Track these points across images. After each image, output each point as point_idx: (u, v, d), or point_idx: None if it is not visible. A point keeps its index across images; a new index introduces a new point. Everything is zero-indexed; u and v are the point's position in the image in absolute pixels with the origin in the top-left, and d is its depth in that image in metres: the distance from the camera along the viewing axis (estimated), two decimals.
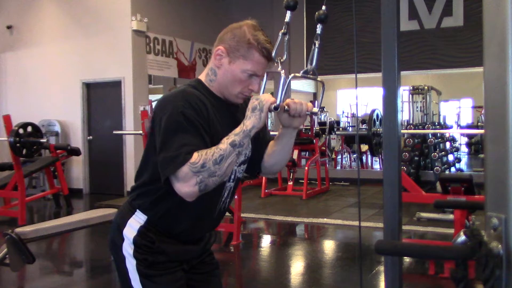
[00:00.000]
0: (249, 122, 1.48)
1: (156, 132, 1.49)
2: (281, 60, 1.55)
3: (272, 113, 1.57)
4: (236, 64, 1.55)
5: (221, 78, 1.58)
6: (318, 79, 1.60)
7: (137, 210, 1.61)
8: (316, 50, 1.56)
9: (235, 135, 1.47)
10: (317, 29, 1.56)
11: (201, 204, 1.58)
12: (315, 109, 1.59)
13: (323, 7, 1.56)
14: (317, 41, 1.54)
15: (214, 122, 1.53)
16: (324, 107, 12.48)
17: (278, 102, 1.50)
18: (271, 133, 2.05)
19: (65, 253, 5.63)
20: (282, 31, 1.54)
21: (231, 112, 1.61)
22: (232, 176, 1.65)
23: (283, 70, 1.52)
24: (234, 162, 1.48)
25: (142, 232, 1.59)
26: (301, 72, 1.56)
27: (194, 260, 1.73)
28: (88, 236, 5.85)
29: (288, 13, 1.55)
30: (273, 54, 1.54)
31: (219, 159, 1.43)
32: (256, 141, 1.66)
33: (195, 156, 1.41)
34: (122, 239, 1.61)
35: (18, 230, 3.66)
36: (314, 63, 1.55)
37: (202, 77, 1.64)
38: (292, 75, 1.56)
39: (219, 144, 1.46)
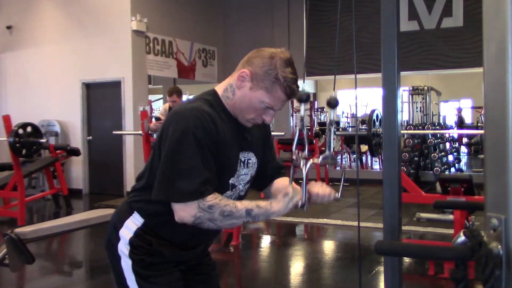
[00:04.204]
0: (276, 206, 1.50)
1: (163, 144, 1.48)
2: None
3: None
4: (257, 93, 1.53)
5: (238, 100, 1.57)
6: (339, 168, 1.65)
7: (135, 211, 1.61)
8: (332, 136, 1.57)
9: (256, 207, 1.48)
10: (331, 114, 1.55)
11: None
12: (337, 194, 1.64)
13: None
14: (332, 127, 1.55)
15: (223, 143, 1.52)
16: (324, 107, 12.48)
17: (303, 200, 1.53)
18: (272, 133, 2.04)
19: (65, 253, 5.63)
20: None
21: (240, 130, 1.61)
22: (235, 195, 1.65)
23: (305, 169, 1.53)
24: (238, 224, 1.51)
25: (138, 234, 1.59)
26: (321, 158, 1.58)
27: (192, 261, 1.72)
28: (88, 236, 5.84)
29: (302, 106, 1.55)
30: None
31: (227, 214, 1.44)
32: (263, 148, 1.68)
33: (211, 195, 1.44)
34: (118, 239, 1.60)
35: (17, 230, 3.66)
36: (332, 150, 1.57)
37: (219, 90, 1.61)
38: (311, 161, 1.56)
39: (237, 201, 1.48)
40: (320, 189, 1.60)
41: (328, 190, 1.61)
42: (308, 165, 1.53)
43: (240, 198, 1.69)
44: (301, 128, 1.55)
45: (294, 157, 1.53)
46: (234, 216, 1.45)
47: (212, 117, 1.49)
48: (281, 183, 1.75)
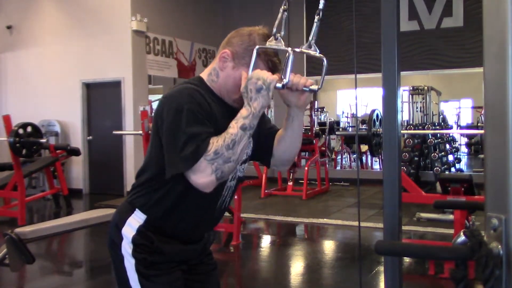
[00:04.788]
0: (257, 103, 1.46)
1: (161, 129, 1.48)
2: (281, 35, 1.52)
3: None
4: (239, 71, 1.54)
5: (223, 81, 1.58)
6: (319, 54, 1.53)
7: (137, 209, 1.60)
8: (316, 24, 1.51)
9: (244, 118, 1.45)
10: (320, 4, 1.52)
11: (201, 203, 1.58)
12: (314, 86, 1.54)
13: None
14: (318, 16, 1.50)
15: (216, 118, 1.52)
16: (324, 107, 12.47)
17: (286, 80, 1.47)
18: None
19: (65, 253, 5.63)
20: (282, 7, 1.52)
21: (230, 112, 1.60)
22: (233, 175, 1.64)
23: (289, 48, 1.49)
24: (247, 146, 1.47)
25: (141, 231, 1.59)
26: (304, 46, 1.52)
27: (193, 260, 1.72)
28: (88, 236, 5.84)
29: None
30: (274, 30, 1.51)
31: (232, 144, 1.42)
32: (258, 128, 1.63)
33: (209, 145, 1.41)
34: (121, 238, 1.60)
35: (17, 230, 3.66)
36: (313, 38, 1.52)
37: (204, 75, 1.63)
38: (299, 50, 1.51)
39: (228, 129, 1.45)
40: (297, 77, 1.52)
41: (303, 78, 1.53)
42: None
43: (238, 178, 1.69)
44: None
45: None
46: (238, 141, 1.43)
47: (202, 94, 1.51)
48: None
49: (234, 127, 1.45)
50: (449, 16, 9.24)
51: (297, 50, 1.51)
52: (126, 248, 1.59)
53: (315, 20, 1.51)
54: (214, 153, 1.40)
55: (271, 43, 1.52)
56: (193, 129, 1.42)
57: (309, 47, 1.52)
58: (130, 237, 1.58)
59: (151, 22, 8.87)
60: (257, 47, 1.50)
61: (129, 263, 1.59)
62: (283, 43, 1.52)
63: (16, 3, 9.71)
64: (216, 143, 1.42)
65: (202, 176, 1.40)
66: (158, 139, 1.51)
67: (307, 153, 9.73)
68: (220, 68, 1.58)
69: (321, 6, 1.51)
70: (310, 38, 1.52)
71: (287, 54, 1.49)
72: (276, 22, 1.52)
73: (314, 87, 1.53)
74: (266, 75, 1.47)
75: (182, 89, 1.51)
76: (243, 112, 1.47)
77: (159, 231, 1.60)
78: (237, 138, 1.43)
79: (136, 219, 1.60)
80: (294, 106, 1.58)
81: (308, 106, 9.18)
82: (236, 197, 5.06)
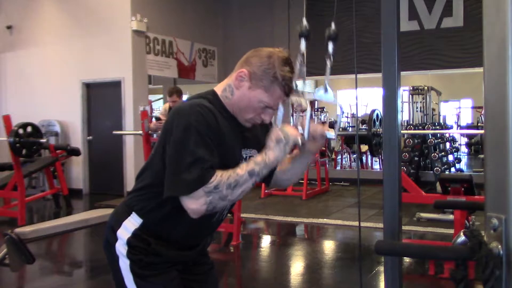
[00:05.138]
0: (272, 154, 1.47)
1: (167, 142, 1.48)
2: (301, 91, 1.54)
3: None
4: (255, 92, 1.54)
5: (237, 99, 1.57)
6: (337, 103, 1.59)
7: (133, 212, 1.60)
8: (328, 69, 1.53)
9: (255, 164, 1.46)
10: (329, 49, 1.53)
11: None
12: (332, 133, 1.57)
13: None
14: (329, 60, 1.52)
15: (225, 137, 1.52)
16: (324, 107, 12.47)
17: (306, 136, 1.51)
18: None
19: (65, 253, 5.63)
20: (298, 61, 1.53)
21: (239, 130, 1.61)
22: None
23: (309, 103, 1.52)
24: (248, 190, 1.48)
25: (136, 234, 1.59)
26: (318, 91, 1.56)
27: (190, 262, 1.73)
28: (88, 236, 5.84)
29: (303, 42, 1.54)
30: (293, 84, 1.54)
31: (234, 185, 1.43)
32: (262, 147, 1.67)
33: (212, 176, 1.42)
34: (116, 239, 1.60)
35: (17, 230, 3.66)
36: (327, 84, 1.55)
37: (218, 90, 1.62)
38: (315, 98, 1.56)
39: (236, 168, 1.45)
40: (315, 125, 1.57)
41: (321, 127, 1.57)
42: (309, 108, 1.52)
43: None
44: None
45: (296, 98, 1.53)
46: (240, 183, 1.43)
47: (213, 112, 1.50)
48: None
49: (243, 169, 1.45)
50: (449, 16, 9.24)
51: (313, 98, 1.57)
52: (121, 249, 1.59)
53: (328, 64, 1.52)
54: (214, 187, 1.41)
55: (292, 98, 1.55)
56: (200, 152, 1.42)
57: (325, 90, 1.55)
58: (125, 239, 1.59)
59: (151, 22, 8.87)
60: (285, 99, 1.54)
61: (124, 264, 1.59)
62: (304, 98, 1.55)
63: (16, 3, 9.71)
64: (219, 177, 1.42)
65: (194, 203, 1.42)
66: (163, 150, 1.51)
67: None
68: (235, 87, 1.57)
69: (330, 50, 1.52)
70: (325, 82, 1.55)
71: (307, 110, 1.52)
72: (295, 75, 1.54)
73: (331, 134, 1.56)
74: (290, 130, 1.49)
75: (194, 106, 1.50)
76: (257, 158, 1.48)
77: (155, 235, 1.60)
78: (241, 181, 1.44)
79: (132, 222, 1.60)
80: (309, 151, 1.65)
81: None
82: None
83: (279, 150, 1.48)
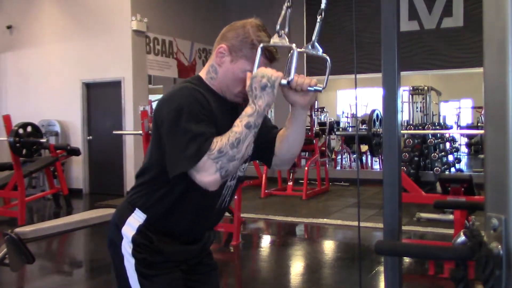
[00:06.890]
0: (262, 101, 1.45)
1: (162, 129, 1.47)
2: (285, 33, 1.51)
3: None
4: (238, 64, 1.55)
5: (222, 76, 1.57)
6: (322, 54, 1.51)
7: (137, 208, 1.60)
8: (318, 24, 1.50)
9: (248, 116, 1.44)
10: (322, 4, 1.50)
11: (201, 202, 1.58)
12: (319, 86, 1.52)
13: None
14: (320, 16, 1.50)
15: (217, 118, 1.51)
16: (324, 107, 12.47)
17: (291, 77, 1.46)
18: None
19: (65, 253, 5.63)
20: (286, 4, 1.51)
21: (231, 110, 1.59)
22: (233, 175, 1.63)
23: (294, 44, 1.48)
24: (252, 144, 1.46)
25: (141, 231, 1.58)
26: (307, 46, 1.51)
27: (193, 260, 1.72)
28: (88, 236, 5.84)
29: None
30: (277, 27, 1.50)
31: (236, 143, 1.41)
32: (259, 133, 1.64)
33: (213, 143, 1.40)
34: (121, 238, 1.60)
35: (17, 230, 3.66)
36: (316, 38, 1.51)
37: (202, 74, 1.63)
38: (303, 49, 1.50)
39: (232, 128, 1.44)
40: (302, 77, 1.51)
41: (308, 78, 1.51)
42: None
43: (238, 178, 1.68)
44: None
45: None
46: (242, 139, 1.42)
47: (202, 93, 1.50)
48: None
49: (238, 125, 1.44)
50: (449, 16, 9.24)
51: (301, 49, 1.50)
52: (126, 247, 1.59)
53: (318, 20, 1.51)
54: (218, 152, 1.39)
55: (274, 40, 1.51)
56: (195, 128, 1.41)
57: (312, 47, 1.51)
58: (130, 237, 1.58)
59: (151, 22, 8.87)
60: (261, 45, 1.49)
61: (129, 263, 1.59)
62: (287, 39, 1.51)
63: (16, 3, 9.71)
64: (220, 141, 1.41)
65: (207, 174, 1.39)
66: (158, 140, 1.50)
67: (307, 153, 9.74)
68: (218, 64, 1.58)
69: (323, 6, 1.51)
70: (313, 38, 1.51)
71: (291, 51, 1.48)
72: (280, 18, 1.51)
73: (319, 87, 1.52)
74: (270, 72, 1.47)
75: (181, 89, 1.51)
76: (248, 110, 1.46)
77: (159, 230, 1.60)
78: (242, 137, 1.42)
79: (136, 219, 1.60)
80: (298, 106, 1.57)
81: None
82: (236, 197, 5.06)
83: (267, 95, 1.45)
